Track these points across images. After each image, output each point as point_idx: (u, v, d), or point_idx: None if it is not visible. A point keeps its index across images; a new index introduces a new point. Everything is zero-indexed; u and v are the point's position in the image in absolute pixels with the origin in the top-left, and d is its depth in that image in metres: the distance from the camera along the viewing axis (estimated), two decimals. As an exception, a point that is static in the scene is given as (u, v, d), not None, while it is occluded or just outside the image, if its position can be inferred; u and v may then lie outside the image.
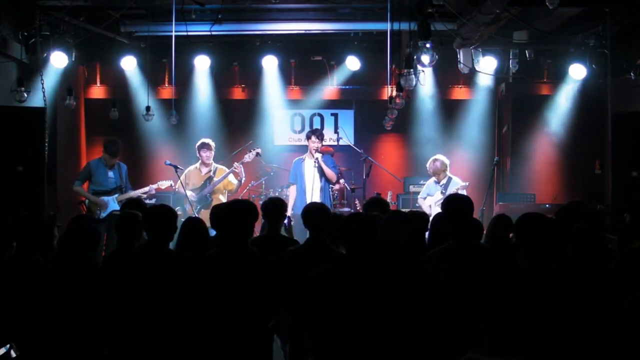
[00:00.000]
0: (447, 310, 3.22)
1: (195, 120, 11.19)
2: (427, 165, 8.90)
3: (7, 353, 4.04)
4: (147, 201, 8.32)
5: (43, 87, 8.92)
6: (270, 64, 10.71)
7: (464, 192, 8.07)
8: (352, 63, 10.61)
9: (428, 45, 6.63)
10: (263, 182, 10.12)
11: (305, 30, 9.74)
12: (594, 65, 9.10)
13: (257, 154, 8.95)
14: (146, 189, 8.67)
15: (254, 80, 11.30)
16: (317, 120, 11.60)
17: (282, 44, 10.61)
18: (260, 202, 6.51)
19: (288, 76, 11.38)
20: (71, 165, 10.51)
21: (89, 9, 8.97)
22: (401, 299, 3.19)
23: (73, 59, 9.35)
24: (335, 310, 3.31)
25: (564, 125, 10.71)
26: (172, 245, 4.41)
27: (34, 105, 8.70)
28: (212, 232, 5.05)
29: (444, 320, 3.20)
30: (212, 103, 11.30)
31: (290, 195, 8.93)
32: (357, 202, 9.45)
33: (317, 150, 8.70)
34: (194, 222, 4.75)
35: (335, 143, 10.48)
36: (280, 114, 11.62)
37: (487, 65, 9.91)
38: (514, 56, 9.96)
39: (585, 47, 9.16)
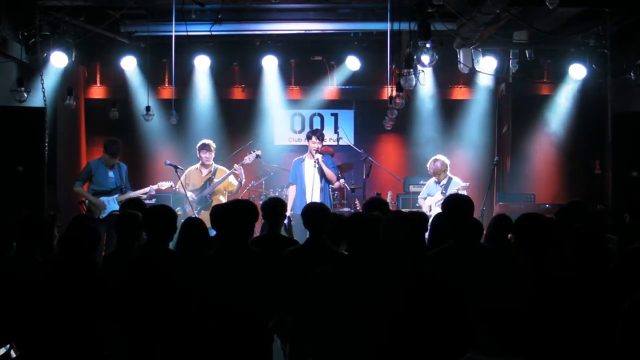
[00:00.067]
0: (447, 310, 3.22)
1: (195, 120, 11.19)
2: (428, 165, 8.90)
3: (7, 353, 4.04)
4: (147, 201, 8.31)
5: (43, 87, 8.92)
6: (270, 64, 10.71)
7: (464, 193, 8.06)
8: (352, 63, 10.61)
9: (428, 45, 6.64)
10: (263, 182, 10.12)
11: (305, 30, 9.75)
12: (594, 65, 9.10)
13: (257, 156, 8.96)
14: (146, 189, 8.67)
15: (254, 80, 11.30)
16: (317, 120, 11.60)
17: (282, 44, 10.61)
18: (260, 202, 6.50)
19: (288, 76, 11.38)
20: (71, 165, 10.51)
21: (89, 9, 8.97)
22: (401, 299, 3.19)
23: (73, 59, 9.35)
24: (335, 310, 3.31)
25: (564, 125, 10.71)
26: (172, 245, 4.41)
27: (34, 105, 8.70)
28: (212, 232, 5.06)
29: (444, 320, 3.20)
30: (212, 103, 11.31)
31: (290, 195, 8.93)
32: (357, 202, 9.45)
33: (317, 151, 8.70)
34: (193, 222, 4.76)
35: (335, 143, 10.48)
36: (280, 114, 11.62)
37: (487, 65, 9.91)
38: (514, 56, 9.96)
39: (585, 47, 9.16)
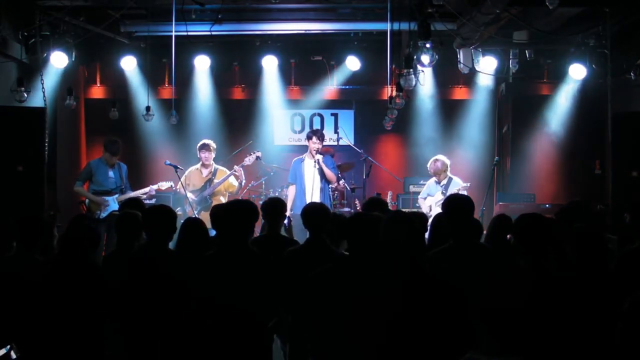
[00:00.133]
0: (447, 310, 3.22)
1: (195, 120, 11.19)
2: (428, 165, 8.90)
3: (8, 354, 4.04)
4: (147, 201, 8.31)
5: (43, 87, 8.92)
6: (270, 64, 10.71)
7: (465, 193, 8.06)
8: (352, 63, 10.60)
9: (428, 45, 6.63)
10: (263, 182, 10.12)
11: (305, 30, 9.74)
12: (594, 65, 9.10)
13: (258, 157, 8.97)
14: (146, 189, 8.67)
15: (254, 80, 11.30)
16: (317, 120, 11.61)
17: (282, 44, 10.61)
18: (260, 202, 6.50)
19: (288, 76, 11.38)
20: (71, 165, 10.51)
21: (89, 9, 8.96)
22: (401, 299, 3.19)
23: (73, 59, 9.34)
24: (335, 310, 3.31)
25: (564, 125, 10.70)
26: (172, 245, 4.41)
27: (34, 105, 8.70)
28: (212, 232, 5.05)
29: (444, 320, 3.20)
30: (212, 103, 11.31)
31: (289, 195, 8.93)
32: (357, 202, 9.45)
33: (317, 151, 8.70)
34: (193, 223, 4.76)
35: (335, 143, 10.47)
36: (280, 114, 11.62)
37: (487, 65, 9.91)
38: (514, 56, 9.96)
39: (585, 47, 9.16)
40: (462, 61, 9.80)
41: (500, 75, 10.56)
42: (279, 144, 11.53)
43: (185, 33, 8.47)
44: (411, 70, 6.91)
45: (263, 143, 10.88)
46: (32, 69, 9.04)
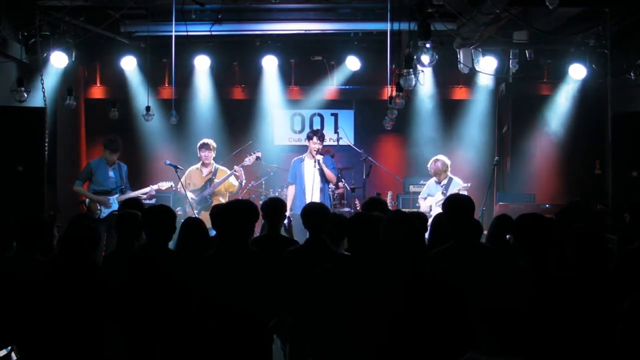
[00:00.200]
0: (447, 310, 3.22)
1: (195, 120, 11.19)
2: (428, 165, 8.90)
3: (8, 355, 4.04)
4: (147, 201, 8.31)
5: (43, 87, 8.92)
6: (270, 64, 10.71)
7: (465, 193, 8.06)
8: (352, 63, 10.60)
9: (428, 45, 6.62)
10: (263, 182, 10.12)
11: (305, 30, 9.74)
12: (594, 65, 9.10)
13: (258, 157, 8.97)
14: (146, 189, 8.67)
15: (254, 80, 11.29)
16: (317, 120, 11.61)
17: (282, 44, 10.61)
18: (260, 202, 6.50)
19: (288, 76, 11.38)
20: (71, 165, 10.51)
21: (89, 9, 8.96)
22: (401, 299, 3.19)
23: (73, 59, 9.34)
24: (335, 310, 3.32)
25: (564, 125, 10.70)
26: (172, 245, 4.41)
27: (34, 105, 8.70)
28: (212, 232, 5.05)
29: (444, 320, 3.20)
30: (212, 103, 11.31)
31: (289, 195, 8.93)
32: (357, 202, 9.45)
33: (318, 152, 8.70)
34: (193, 222, 4.76)
35: (335, 143, 10.47)
36: (280, 114, 11.62)
37: (487, 65, 9.91)
38: (514, 56, 9.96)
39: (585, 47, 9.16)
40: (462, 61, 9.80)
41: (500, 75, 10.56)
42: (279, 144, 11.54)
43: (185, 33, 8.47)
44: (411, 70, 6.91)
45: (263, 143, 10.88)
46: (32, 69, 9.04)
